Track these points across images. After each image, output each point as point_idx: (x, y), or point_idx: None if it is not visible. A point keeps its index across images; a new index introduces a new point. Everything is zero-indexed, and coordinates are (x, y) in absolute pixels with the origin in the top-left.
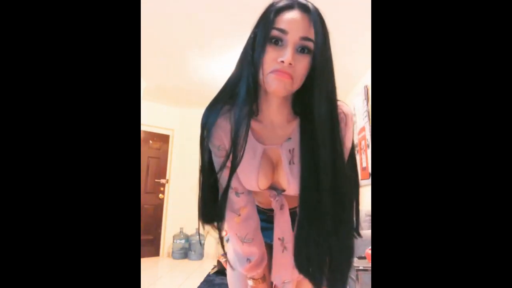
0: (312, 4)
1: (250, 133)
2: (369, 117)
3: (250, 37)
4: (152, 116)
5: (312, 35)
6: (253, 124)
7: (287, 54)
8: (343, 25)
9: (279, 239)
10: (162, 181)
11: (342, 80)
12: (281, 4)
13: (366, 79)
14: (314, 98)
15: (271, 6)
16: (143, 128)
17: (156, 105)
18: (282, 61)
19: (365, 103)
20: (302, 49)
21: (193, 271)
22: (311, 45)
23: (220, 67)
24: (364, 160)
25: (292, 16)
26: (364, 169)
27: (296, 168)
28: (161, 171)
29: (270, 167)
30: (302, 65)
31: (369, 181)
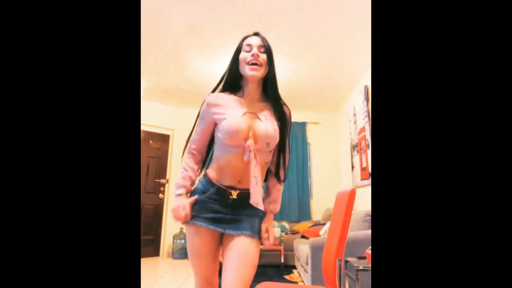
0: (260, 34)
1: (237, 101)
2: (369, 117)
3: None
4: (152, 116)
5: (263, 46)
6: (239, 99)
7: (254, 50)
8: (343, 26)
9: (254, 176)
10: (162, 181)
11: (342, 80)
12: (249, 34)
13: (366, 79)
14: (269, 86)
15: (243, 38)
16: (143, 128)
17: (156, 105)
18: (253, 54)
19: (365, 103)
20: (261, 52)
21: (193, 271)
22: (264, 50)
23: (220, 67)
24: (364, 160)
25: (253, 38)
26: (364, 169)
27: (268, 122)
28: (161, 171)
29: (248, 123)
30: (263, 57)
31: (369, 181)
